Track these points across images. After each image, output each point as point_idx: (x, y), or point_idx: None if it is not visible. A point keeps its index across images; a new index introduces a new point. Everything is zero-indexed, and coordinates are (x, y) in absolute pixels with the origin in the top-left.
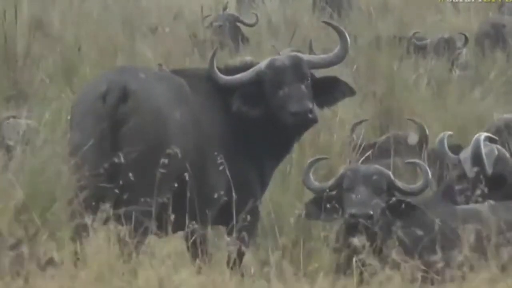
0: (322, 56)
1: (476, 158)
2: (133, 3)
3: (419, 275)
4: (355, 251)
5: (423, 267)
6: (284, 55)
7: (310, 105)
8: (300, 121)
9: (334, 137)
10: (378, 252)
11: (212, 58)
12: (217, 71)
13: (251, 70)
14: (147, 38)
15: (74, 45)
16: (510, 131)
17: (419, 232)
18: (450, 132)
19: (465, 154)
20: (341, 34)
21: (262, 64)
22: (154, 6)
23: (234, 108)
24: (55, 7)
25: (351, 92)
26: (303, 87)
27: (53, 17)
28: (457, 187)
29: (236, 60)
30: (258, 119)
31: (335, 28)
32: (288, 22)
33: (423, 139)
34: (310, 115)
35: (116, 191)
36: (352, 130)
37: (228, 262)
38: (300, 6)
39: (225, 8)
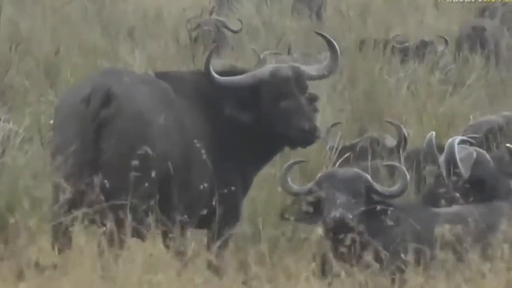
0: (316, 67)
1: (451, 162)
2: (111, 6)
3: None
4: (335, 254)
5: (400, 270)
6: (285, 65)
7: (317, 123)
8: (308, 138)
9: None
10: (358, 256)
11: (209, 59)
12: (213, 72)
13: (250, 74)
14: (126, 41)
15: (53, 49)
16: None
17: (396, 235)
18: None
19: (442, 158)
20: (332, 46)
21: (265, 71)
22: (132, 9)
23: (227, 112)
24: (34, 11)
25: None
26: (305, 101)
27: (32, 20)
28: (438, 190)
29: (219, 64)
30: (245, 125)
31: (327, 41)
32: (267, 25)
33: (401, 141)
34: (317, 134)
35: (98, 194)
36: (327, 133)
37: (208, 265)
38: (279, 9)
39: (211, 13)
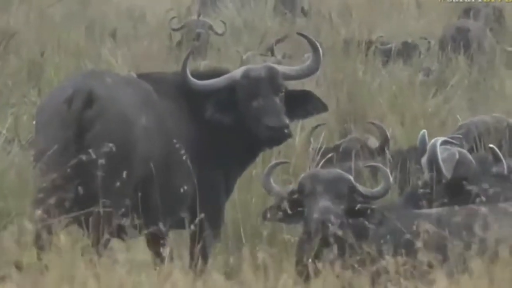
0: (296, 68)
1: (433, 163)
2: (94, 7)
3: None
4: (317, 257)
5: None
6: (259, 66)
7: (287, 121)
8: (276, 136)
9: (296, 140)
10: (340, 257)
11: (185, 62)
12: (189, 75)
13: (225, 77)
14: (109, 42)
15: (38, 50)
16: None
17: (379, 237)
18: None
19: (425, 158)
20: (314, 47)
21: (237, 72)
22: (115, 10)
23: (208, 115)
24: (19, 12)
25: (323, 108)
26: (278, 100)
27: (16, 21)
28: (420, 191)
29: (201, 65)
30: (227, 127)
31: (309, 41)
32: (250, 27)
33: (384, 142)
34: (286, 131)
35: (80, 195)
36: (310, 134)
37: (191, 266)
38: (261, 11)
39: (199, 14)
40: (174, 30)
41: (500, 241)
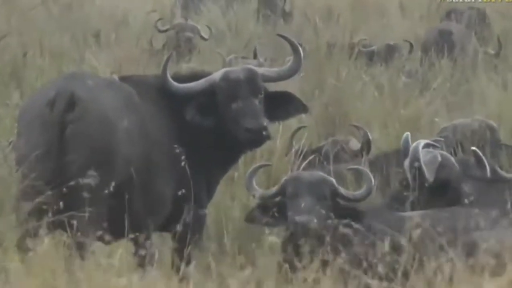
0: (276, 69)
1: (415, 166)
2: (77, 9)
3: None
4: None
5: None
6: (239, 68)
7: (265, 122)
8: (254, 137)
9: (277, 143)
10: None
11: (165, 65)
12: (170, 78)
13: (204, 80)
14: (92, 44)
15: (20, 52)
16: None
17: (362, 239)
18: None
19: (407, 162)
20: (294, 48)
21: (217, 75)
22: (98, 12)
23: (188, 118)
24: (1, 14)
25: (304, 109)
26: (257, 102)
27: None
28: (404, 194)
29: (183, 68)
30: (208, 129)
31: (290, 42)
32: (233, 30)
33: (366, 145)
34: (264, 132)
35: (63, 198)
36: (292, 136)
37: (173, 268)
38: (244, 13)
39: (186, 19)
40: (160, 31)
41: (480, 245)
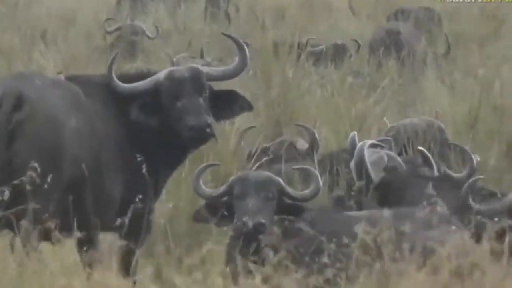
0: (221, 68)
1: (361, 167)
2: (24, 8)
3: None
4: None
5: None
6: (183, 67)
7: (208, 120)
8: (197, 135)
9: (229, 143)
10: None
11: (111, 65)
12: (115, 78)
13: (149, 79)
14: (40, 44)
15: None
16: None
17: (310, 238)
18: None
19: (353, 162)
20: (240, 47)
21: (161, 74)
22: (45, 12)
23: (133, 117)
24: None
25: (249, 107)
26: (200, 100)
27: None
28: (350, 194)
29: (131, 68)
30: (154, 128)
31: (235, 41)
32: (180, 29)
33: (313, 145)
34: (207, 130)
35: (10, 197)
36: (240, 137)
37: (119, 269)
38: (192, 13)
39: (133, 19)
40: (108, 32)
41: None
